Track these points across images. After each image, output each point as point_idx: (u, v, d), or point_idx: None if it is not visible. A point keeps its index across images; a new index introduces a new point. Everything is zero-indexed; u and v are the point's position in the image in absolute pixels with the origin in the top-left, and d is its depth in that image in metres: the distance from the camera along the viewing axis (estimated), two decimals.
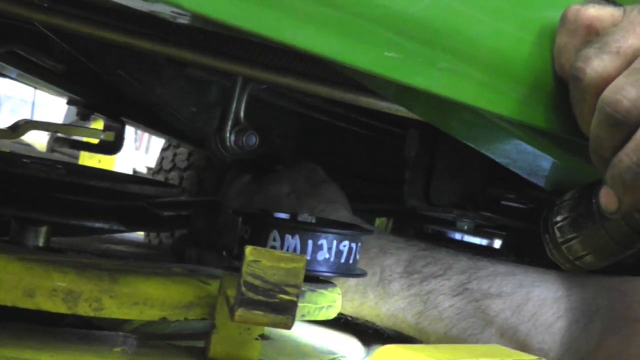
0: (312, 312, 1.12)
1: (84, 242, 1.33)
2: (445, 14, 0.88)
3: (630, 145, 0.87)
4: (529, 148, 1.18)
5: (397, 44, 0.84)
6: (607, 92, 0.91)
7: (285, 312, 0.92)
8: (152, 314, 1.00)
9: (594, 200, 0.99)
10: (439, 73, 0.89)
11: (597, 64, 0.92)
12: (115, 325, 1.05)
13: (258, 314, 0.91)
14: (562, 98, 1.02)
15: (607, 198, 0.92)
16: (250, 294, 0.91)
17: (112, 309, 0.99)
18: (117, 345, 1.02)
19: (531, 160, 1.24)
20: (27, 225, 1.14)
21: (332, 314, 1.17)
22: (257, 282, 0.91)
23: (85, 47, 1.31)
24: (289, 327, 0.92)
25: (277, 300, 0.91)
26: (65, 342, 0.99)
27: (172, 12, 0.86)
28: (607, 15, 0.94)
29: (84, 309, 0.98)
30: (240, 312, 0.91)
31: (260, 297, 0.91)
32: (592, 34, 0.95)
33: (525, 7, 0.98)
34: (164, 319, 1.01)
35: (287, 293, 0.91)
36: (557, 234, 1.01)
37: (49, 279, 0.97)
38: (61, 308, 0.97)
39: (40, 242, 1.14)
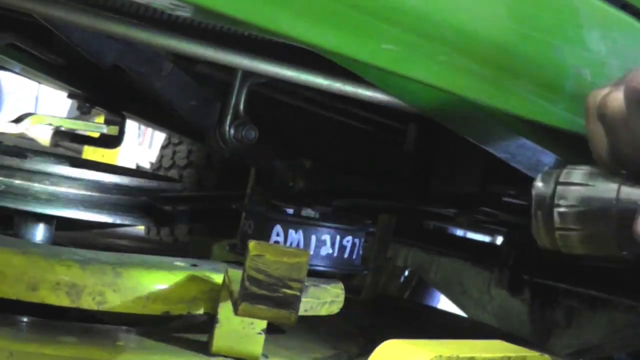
0: (315, 307, 1.12)
1: (87, 237, 1.34)
2: (444, 7, 0.88)
3: None
4: (529, 143, 1.18)
5: (395, 37, 0.84)
6: None
7: (289, 307, 0.92)
8: (155, 308, 1.01)
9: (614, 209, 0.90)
10: (439, 66, 0.89)
11: None
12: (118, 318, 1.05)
13: (261, 308, 0.92)
14: (563, 93, 1.02)
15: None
16: (254, 288, 0.91)
17: (115, 303, 0.99)
18: (120, 339, 1.02)
19: (531, 155, 1.24)
20: (30, 220, 1.14)
21: (335, 309, 1.17)
22: (260, 277, 0.91)
23: (84, 39, 1.31)
24: (292, 321, 0.93)
25: (280, 294, 0.92)
26: (69, 335, 0.99)
27: (171, 3, 0.86)
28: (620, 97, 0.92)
29: (87, 303, 0.98)
30: (243, 306, 0.92)
31: (264, 292, 0.91)
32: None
33: (526, 1, 0.98)
34: (167, 313, 1.02)
35: (290, 288, 0.92)
36: (557, 219, 0.93)
37: (53, 273, 0.97)
38: (65, 301, 0.97)
39: (44, 236, 1.15)
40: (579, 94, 1.03)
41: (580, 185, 0.91)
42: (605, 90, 0.90)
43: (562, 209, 0.91)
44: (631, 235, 0.87)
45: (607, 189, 0.90)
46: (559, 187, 0.92)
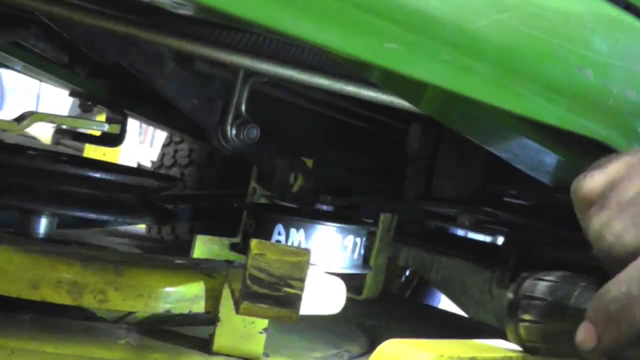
0: (317, 306, 1.12)
1: (88, 235, 1.34)
2: (447, 6, 0.88)
3: (622, 276, 0.78)
4: (532, 143, 1.18)
5: (398, 35, 0.84)
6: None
7: (290, 306, 0.92)
8: (156, 306, 1.01)
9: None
10: (441, 65, 0.89)
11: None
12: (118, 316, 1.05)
13: (263, 307, 0.92)
14: (566, 92, 1.02)
15: (585, 334, 0.80)
16: (255, 287, 0.91)
17: (117, 301, 0.99)
18: (121, 337, 1.03)
19: (534, 156, 1.24)
20: (32, 217, 1.14)
21: (336, 310, 1.17)
22: (262, 276, 0.91)
23: (86, 37, 1.31)
24: (293, 320, 0.93)
25: (282, 293, 0.92)
26: (70, 333, 0.99)
27: (174, 1, 0.86)
28: (601, 182, 0.89)
29: (88, 301, 0.98)
30: (245, 305, 0.92)
31: (265, 291, 0.91)
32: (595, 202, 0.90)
33: (529, 1, 0.98)
34: (168, 312, 1.02)
35: (292, 287, 0.92)
36: (523, 333, 0.89)
37: (54, 271, 0.97)
38: (66, 300, 0.97)
39: (45, 234, 1.15)
40: (581, 94, 1.03)
41: (541, 300, 0.89)
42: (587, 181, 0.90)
43: (526, 324, 0.89)
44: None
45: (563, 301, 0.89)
46: (524, 301, 0.90)
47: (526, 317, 0.89)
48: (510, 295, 0.92)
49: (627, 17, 1.07)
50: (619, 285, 0.78)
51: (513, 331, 0.90)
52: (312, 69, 1.12)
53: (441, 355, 0.80)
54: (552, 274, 0.92)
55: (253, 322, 1.00)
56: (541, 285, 0.90)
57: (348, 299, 1.20)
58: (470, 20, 0.92)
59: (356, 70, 1.03)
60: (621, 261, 0.80)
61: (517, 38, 0.98)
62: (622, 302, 0.77)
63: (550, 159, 1.24)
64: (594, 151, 1.10)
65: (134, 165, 4.23)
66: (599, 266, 1.47)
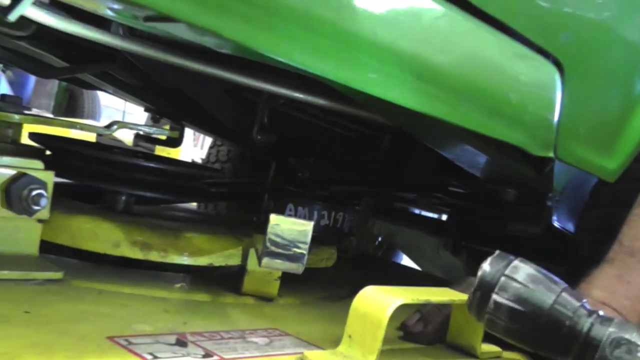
0: (316, 262, 1.11)
1: (156, 209, 1.33)
2: (414, 46, 0.87)
3: None
4: (470, 148, 1.17)
5: (377, 68, 0.83)
6: None
7: (297, 261, 0.91)
8: (203, 261, 1.00)
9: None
10: (407, 91, 0.88)
11: None
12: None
13: (278, 262, 0.91)
14: (496, 111, 1.01)
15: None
16: (273, 248, 0.91)
17: (175, 257, 0.98)
18: (178, 282, 1.02)
19: (471, 157, 1.23)
20: (117, 196, 1.13)
21: (330, 264, 1.16)
22: (277, 240, 0.90)
23: (155, 68, 1.30)
24: (299, 271, 0.92)
25: (291, 252, 0.91)
26: (141, 279, 0.98)
27: (216, 43, 0.85)
28: None
29: (154, 256, 0.98)
30: (265, 260, 0.91)
31: (280, 250, 0.91)
32: None
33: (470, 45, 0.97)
34: (211, 264, 1.01)
35: (299, 247, 0.91)
36: (492, 306, 0.78)
37: (131, 234, 0.97)
38: (139, 255, 0.97)
39: (126, 209, 1.14)
40: (507, 112, 1.02)
41: (522, 284, 0.79)
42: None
43: (499, 299, 0.79)
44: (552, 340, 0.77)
45: (544, 298, 0.78)
46: (503, 279, 0.79)
47: (501, 294, 0.78)
48: (486, 268, 0.81)
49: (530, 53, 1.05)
50: None
51: (477, 302, 0.80)
52: (313, 93, 1.12)
53: (405, 298, 0.79)
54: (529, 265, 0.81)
55: (271, 273, 1.00)
56: (523, 271, 0.80)
57: (338, 257, 1.19)
58: (431, 57, 0.91)
59: (347, 93, 1.02)
60: None
61: (464, 72, 0.97)
62: None
63: (482, 159, 1.23)
64: (514, 153, 1.09)
65: (189, 160, 4.22)
66: (515, 236, 1.46)
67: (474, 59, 0.97)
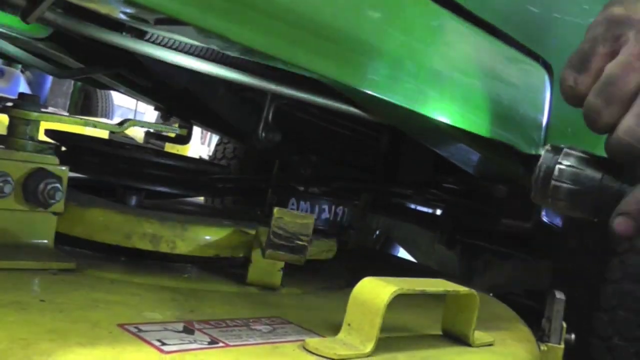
0: (317, 254, 1.11)
1: (165, 203, 1.33)
2: (409, 51, 0.87)
3: None
4: (463, 146, 1.17)
5: (376, 70, 0.83)
6: None
7: (299, 253, 0.91)
8: (209, 252, 1.00)
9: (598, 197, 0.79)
10: (404, 91, 0.88)
11: None
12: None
13: (281, 253, 0.91)
14: (487, 112, 1.01)
15: (624, 226, 0.70)
16: (276, 240, 0.90)
17: (182, 248, 0.98)
18: (185, 272, 1.02)
19: (464, 155, 1.23)
20: (128, 191, 1.13)
21: (330, 256, 1.16)
22: (280, 232, 0.90)
23: (164, 70, 1.30)
24: (301, 262, 0.92)
25: (294, 244, 0.91)
26: (151, 269, 0.98)
27: (221, 45, 0.85)
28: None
29: (163, 247, 0.97)
30: (269, 252, 0.90)
31: (283, 242, 0.90)
32: None
33: (473, 58, 0.97)
34: (217, 255, 1.01)
35: (301, 240, 0.91)
36: (551, 189, 0.81)
37: (141, 226, 0.96)
38: (148, 246, 0.97)
39: (136, 202, 1.14)
40: (498, 113, 1.02)
41: (574, 167, 0.81)
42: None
43: (556, 183, 0.81)
44: (604, 210, 0.75)
45: (593, 175, 0.80)
46: (558, 166, 0.82)
47: (558, 177, 0.81)
48: (547, 155, 0.83)
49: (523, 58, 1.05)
50: None
51: (541, 185, 0.82)
52: (315, 93, 1.11)
53: (401, 288, 0.78)
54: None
55: (274, 263, 0.99)
56: (573, 156, 0.82)
57: (338, 250, 1.19)
58: (426, 58, 0.91)
59: (346, 94, 1.02)
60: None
61: (458, 74, 0.97)
62: None
63: (475, 157, 1.23)
64: (505, 151, 1.09)
65: (197, 157, 4.22)
66: (508, 232, 1.45)
67: (467, 61, 0.96)
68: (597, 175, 0.80)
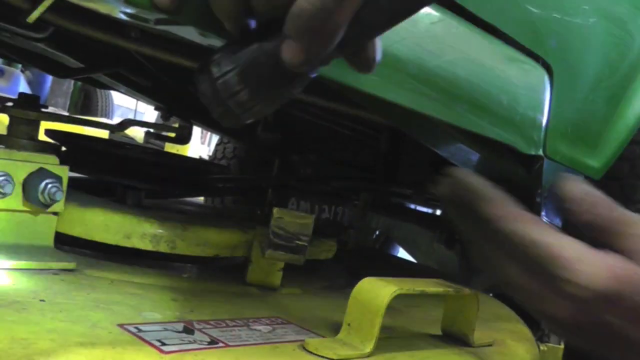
0: (317, 253, 1.11)
1: (165, 203, 1.33)
2: (411, 50, 0.87)
3: None
4: (463, 146, 1.17)
5: (378, 70, 0.83)
6: None
7: (299, 253, 0.91)
8: (209, 252, 1.00)
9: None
10: (405, 91, 0.88)
11: None
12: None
13: (281, 253, 0.91)
14: (488, 111, 1.01)
15: (292, 51, 0.58)
16: (276, 240, 0.90)
17: (183, 248, 0.98)
18: (185, 272, 1.01)
19: (464, 155, 1.23)
20: (127, 190, 1.13)
21: (330, 256, 1.16)
22: (280, 232, 0.90)
23: (166, 68, 1.29)
24: (301, 262, 0.92)
25: (294, 244, 0.90)
26: (151, 269, 0.98)
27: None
28: None
29: (163, 247, 0.97)
30: (269, 252, 0.90)
31: (282, 242, 0.90)
32: None
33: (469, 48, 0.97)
34: (216, 255, 1.01)
35: (300, 240, 0.91)
36: (214, 69, 0.62)
37: (141, 226, 0.96)
38: (148, 246, 0.96)
39: (136, 202, 1.14)
40: (498, 113, 1.02)
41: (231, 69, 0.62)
42: None
43: (220, 80, 0.62)
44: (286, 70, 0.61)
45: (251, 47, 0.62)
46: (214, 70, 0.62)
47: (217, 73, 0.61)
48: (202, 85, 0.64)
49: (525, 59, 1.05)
50: (311, 2, 0.56)
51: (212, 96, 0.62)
52: (314, 93, 1.11)
53: (401, 288, 0.78)
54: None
55: (274, 263, 0.99)
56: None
57: (338, 249, 1.18)
58: (426, 60, 0.91)
59: (346, 94, 1.02)
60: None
61: (458, 74, 0.97)
62: (320, 16, 0.56)
63: (474, 157, 1.23)
64: (505, 152, 1.09)
65: (197, 157, 4.22)
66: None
67: (468, 61, 0.96)
68: (253, 46, 0.61)
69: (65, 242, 0.96)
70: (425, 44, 0.88)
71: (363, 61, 0.66)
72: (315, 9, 0.56)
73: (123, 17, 0.84)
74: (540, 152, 1.08)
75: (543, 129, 1.08)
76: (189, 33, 0.84)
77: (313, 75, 0.65)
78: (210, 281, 0.99)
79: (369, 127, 1.61)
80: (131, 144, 1.53)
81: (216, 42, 0.83)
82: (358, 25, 0.59)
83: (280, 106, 0.68)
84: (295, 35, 0.58)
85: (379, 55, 0.65)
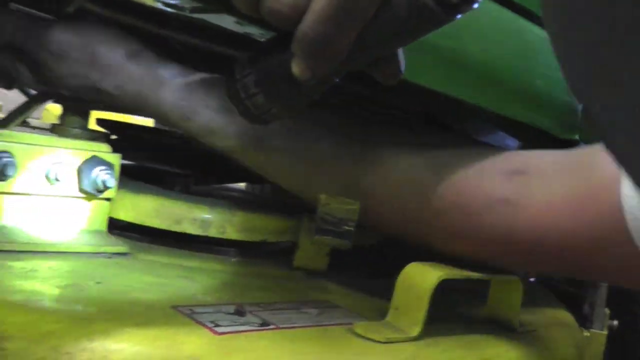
0: (362, 239, 1.11)
1: (215, 189, 1.35)
2: (446, 37, 0.87)
3: (309, 18, 0.58)
4: (501, 133, 1.16)
5: (416, 58, 0.83)
6: None
7: (346, 238, 0.92)
8: (257, 237, 1.01)
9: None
10: (442, 77, 0.88)
11: None
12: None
13: (328, 238, 0.91)
14: (526, 97, 1.00)
15: (300, 69, 0.62)
16: (324, 225, 0.91)
17: (232, 233, 0.99)
18: (234, 256, 1.03)
19: (500, 140, 1.23)
20: (177, 177, 1.15)
21: (374, 242, 1.16)
22: (328, 217, 0.91)
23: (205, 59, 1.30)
24: (349, 247, 0.92)
25: (341, 230, 0.91)
26: (200, 253, 1.00)
27: (259, 33, 0.85)
28: None
29: (213, 232, 0.99)
30: (317, 237, 0.91)
31: (330, 227, 0.91)
32: None
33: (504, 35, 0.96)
34: (264, 240, 1.02)
35: (347, 225, 0.91)
36: (237, 70, 0.67)
37: (191, 212, 0.98)
38: (198, 231, 0.98)
39: (185, 188, 1.15)
40: (534, 97, 1.02)
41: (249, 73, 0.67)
42: None
43: (240, 82, 0.67)
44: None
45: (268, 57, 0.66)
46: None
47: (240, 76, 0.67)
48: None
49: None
50: (313, 29, 0.58)
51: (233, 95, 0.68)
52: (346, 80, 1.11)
53: (447, 273, 0.79)
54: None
55: (321, 248, 1.00)
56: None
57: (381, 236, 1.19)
58: (463, 45, 0.91)
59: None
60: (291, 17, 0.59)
61: (495, 60, 0.96)
62: (322, 41, 0.58)
63: (511, 142, 1.23)
64: (541, 136, 1.09)
65: None
66: None
67: (505, 46, 0.96)
68: (272, 54, 0.66)
69: (116, 228, 0.98)
70: (462, 29, 0.88)
71: (386, 73, 0.69)
72: (316, 35, 0.59)
73: (160, 5, 0.85)
74: (577, 137, 1.07)
75: (579, 113, 1.08)
76: (226, 22, 0.84)
77: (328, 86, 0.67)
78: (259, 265, 1.00)
79: (401, 113, 1.61)
80: (178, 133, 1.55)
81: (252, 30, 0.84)
82: (363, 45, 0.61)
83: (303, 110, 0.70)
84: (301, 55, 0.61)
85: (402, 66, 0.69)
